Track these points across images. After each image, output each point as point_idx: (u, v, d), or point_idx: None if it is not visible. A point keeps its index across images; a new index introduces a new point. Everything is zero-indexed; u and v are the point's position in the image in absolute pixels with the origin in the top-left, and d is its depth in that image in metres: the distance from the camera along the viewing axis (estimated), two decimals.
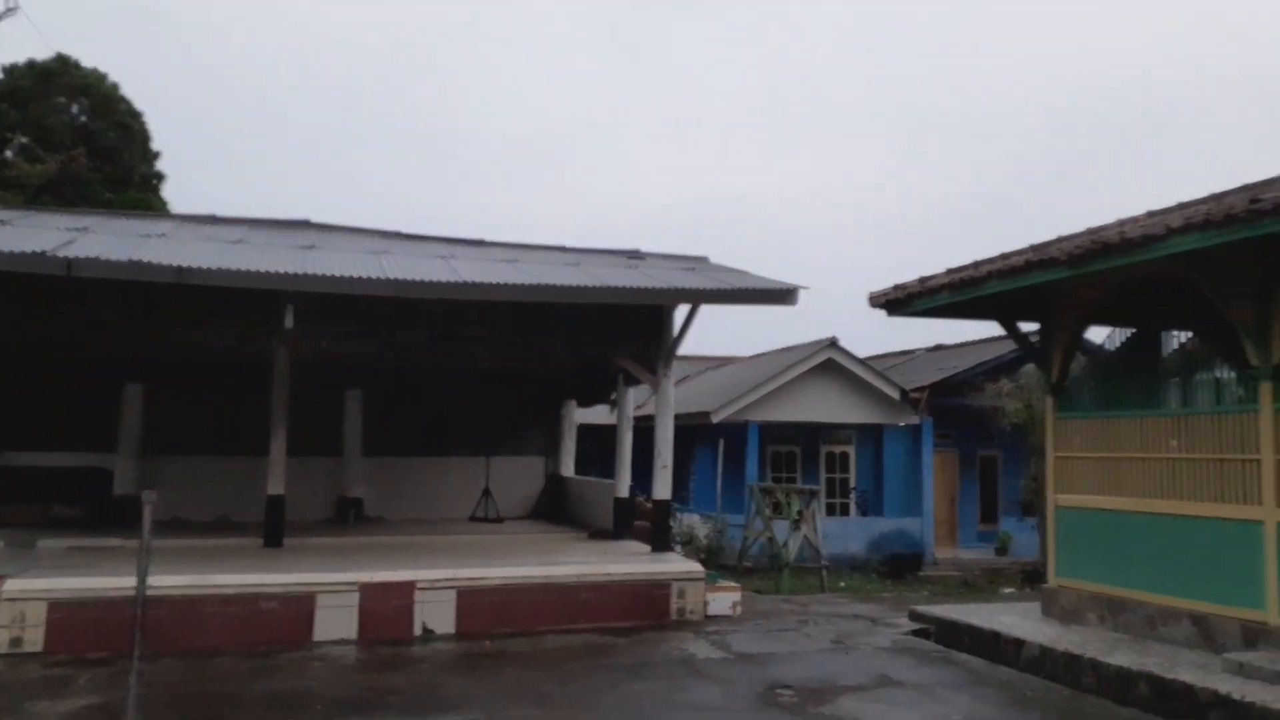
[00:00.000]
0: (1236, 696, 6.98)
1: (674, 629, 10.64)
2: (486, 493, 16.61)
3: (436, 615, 10.20)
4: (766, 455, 21.11)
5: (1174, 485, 9.10)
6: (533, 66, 78.81)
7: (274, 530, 11.98)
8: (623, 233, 77.89)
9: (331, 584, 9.94)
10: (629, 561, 11.66)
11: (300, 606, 9.76)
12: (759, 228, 68.61)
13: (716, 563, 15.79)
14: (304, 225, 14.56)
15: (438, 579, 10.33)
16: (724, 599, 11.48)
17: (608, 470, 15.10)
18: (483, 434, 17.12)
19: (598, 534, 14.30)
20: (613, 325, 12.39)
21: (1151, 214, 9.25)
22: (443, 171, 73.85)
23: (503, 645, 9.70)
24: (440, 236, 14.62)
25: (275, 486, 11.95)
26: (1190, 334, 10.05)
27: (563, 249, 14.61)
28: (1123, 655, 8.35)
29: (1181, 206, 8.89)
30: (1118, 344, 10.18)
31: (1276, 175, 8.67)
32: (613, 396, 15.63)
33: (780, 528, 16.46)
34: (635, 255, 14.55)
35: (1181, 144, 63.45)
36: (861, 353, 23.08)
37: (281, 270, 10.13)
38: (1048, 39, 68.65)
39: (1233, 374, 8.92)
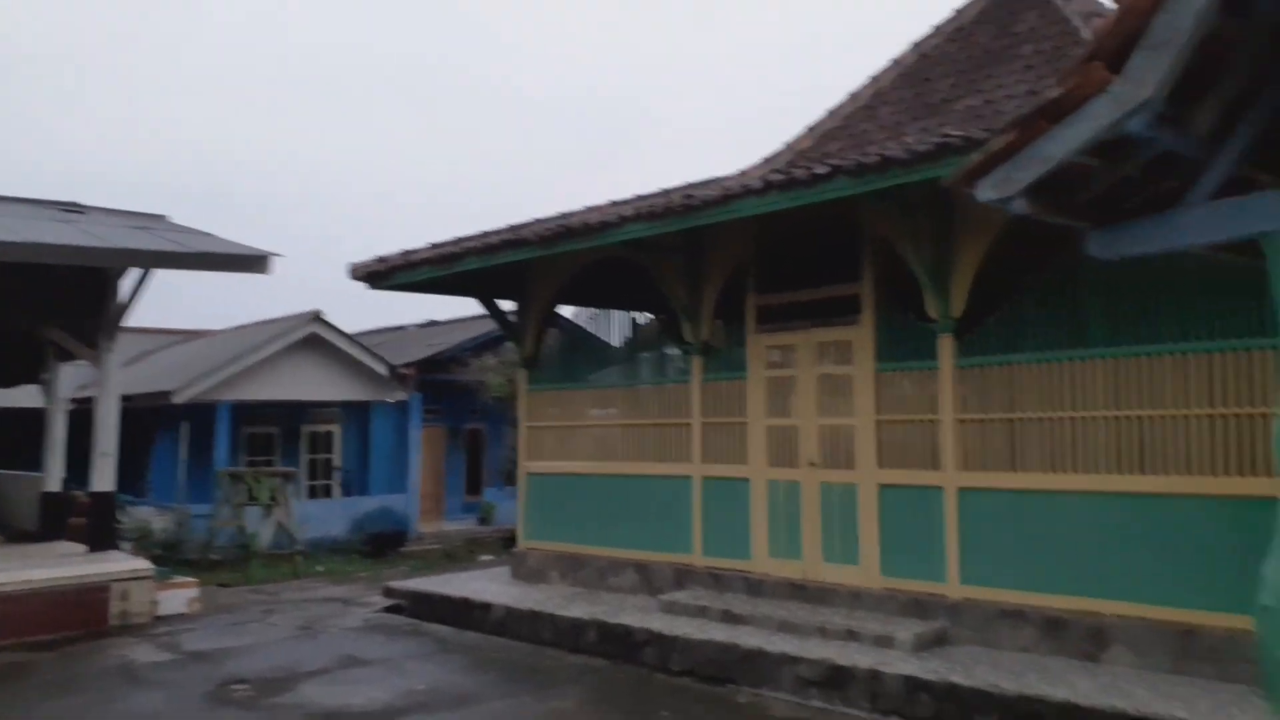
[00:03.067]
0: (666, 632, 7.89)
1: (115, 635, 9.38)
2: None
3: None
4: (241, 438, 19.53)
5: (623, 449, 10.09)
6: None
7: None
8: (96, 190, 67.38)
9: None
10: (56, 565, 9.98)
11: None
12: (263, 198, 63.84)
13: (177, 558, 14.21)
14: None
15: None
16: (178, 596, 10.38)
17: (37, 462, 12.81)
18: None
19: (19, 536, 12.10)
20: (37, 291, 10.42)
21: (615, 204, 10.10)
22: None
23: None
24: None
25: None
26: (649, 314, 11.21)
27: None
28: (577, 607, 9.02)
29: (638, 199, 9.82)
30: (584, 322, 10.99)
31: (714, 177, 9.95)
32: (45, 376, 13.25)
33: (253, 514, 15.36)
34: (73, 208, 12.41)
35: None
36: (371, 326, 22.40)
37: None
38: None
39: (676, 350, 10.09)
